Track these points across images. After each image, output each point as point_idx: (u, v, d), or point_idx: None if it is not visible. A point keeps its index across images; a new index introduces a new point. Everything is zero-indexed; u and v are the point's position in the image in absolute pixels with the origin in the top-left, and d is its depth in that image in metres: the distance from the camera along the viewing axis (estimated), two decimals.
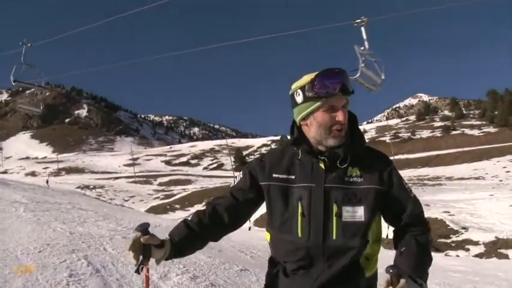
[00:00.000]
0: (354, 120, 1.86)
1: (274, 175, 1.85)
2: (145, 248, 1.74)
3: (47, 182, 52.71)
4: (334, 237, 1.71)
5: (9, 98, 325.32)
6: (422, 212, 1.87)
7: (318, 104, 1.73)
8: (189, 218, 1.93)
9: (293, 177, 1.81)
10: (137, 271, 1.74)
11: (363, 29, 8.75)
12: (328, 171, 1.76)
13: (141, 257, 1.74)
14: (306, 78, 1.77)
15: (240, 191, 1.92)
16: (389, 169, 1.80)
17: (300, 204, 1.76)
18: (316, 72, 1.74)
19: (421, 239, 1.79)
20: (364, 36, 8.75)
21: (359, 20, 8.75)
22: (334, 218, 1.71)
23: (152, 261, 1.79)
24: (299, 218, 1.75)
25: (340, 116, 1.73)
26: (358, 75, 8.35)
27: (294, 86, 1.82)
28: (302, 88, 1.77)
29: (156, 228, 10.08)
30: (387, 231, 2.05)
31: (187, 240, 1.85)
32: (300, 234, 1.74)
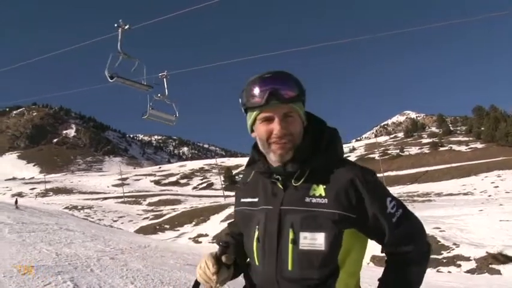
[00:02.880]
0: (321, 127, 1.58)
1: (242, 199, 1.69)
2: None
3: (16, 202, 48.61)
4: (289, 267, 1.47)
5: None
6: (412, 235, 1.53)
7: (254, 114, 1.52)
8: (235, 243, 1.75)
9: (256, 199, 1.60)
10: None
11: (164, 80, 11.22)
12: (286, 191, 1.52)
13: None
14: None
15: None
16: (361, 190, 1.47)
17: (257, 229, 1.56)
18: (251, 78, 1.53)
19: (403, 273, 1.50)
20: (165, 86, 11.25)
21: (162, 74, 11.20)
22: (290, 246, 1.46)
23: None
24: (254, 243, 1.56)
25: (275, 128, 1.47)
26: (147, 115, 10.78)
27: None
28: (240, 96, 1.56)
29: (146, 248, 9.91)
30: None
31: (242, 264, 1.71)
32: (257, 262, 1.57)
